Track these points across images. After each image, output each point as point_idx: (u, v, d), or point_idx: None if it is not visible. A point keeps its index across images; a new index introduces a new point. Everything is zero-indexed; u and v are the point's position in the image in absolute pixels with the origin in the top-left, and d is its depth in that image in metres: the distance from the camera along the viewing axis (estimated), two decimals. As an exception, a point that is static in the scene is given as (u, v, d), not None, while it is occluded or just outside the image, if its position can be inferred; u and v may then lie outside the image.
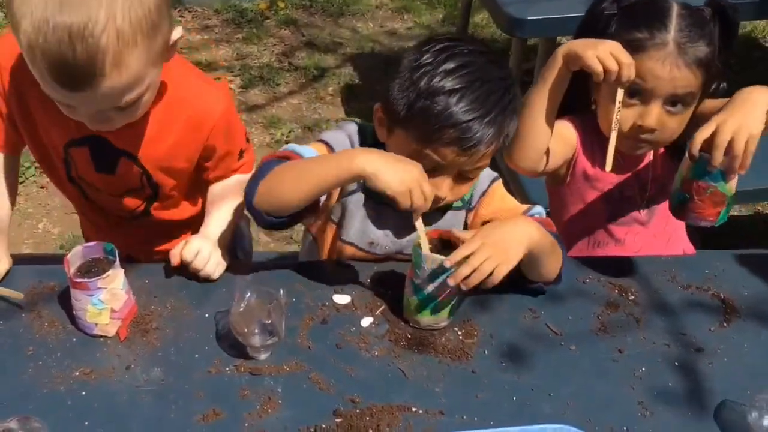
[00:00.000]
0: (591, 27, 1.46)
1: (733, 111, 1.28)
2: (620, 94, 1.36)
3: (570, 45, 1.36)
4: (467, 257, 1.20)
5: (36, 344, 1.25)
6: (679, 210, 1.36)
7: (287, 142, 3.43)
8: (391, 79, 1.32)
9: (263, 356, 1.25)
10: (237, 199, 1.48)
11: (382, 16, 4.65)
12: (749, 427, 1.13)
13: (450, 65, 1.25)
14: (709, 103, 1.50)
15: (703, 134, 1.28)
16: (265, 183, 1.29)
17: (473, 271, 1.19)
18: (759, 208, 3.20)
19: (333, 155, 1.37)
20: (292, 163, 1.32)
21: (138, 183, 1.46)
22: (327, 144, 1.42)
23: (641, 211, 1.61)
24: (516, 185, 2.33)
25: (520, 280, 1.36)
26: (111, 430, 1.12)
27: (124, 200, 1.50)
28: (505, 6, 2.46)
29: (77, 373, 1.20)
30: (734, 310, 1.39)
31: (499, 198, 1.47)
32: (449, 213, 1.46)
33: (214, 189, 1.52)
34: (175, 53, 1.26)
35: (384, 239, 1.45)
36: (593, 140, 1.55)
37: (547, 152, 1.49)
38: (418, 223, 1.26)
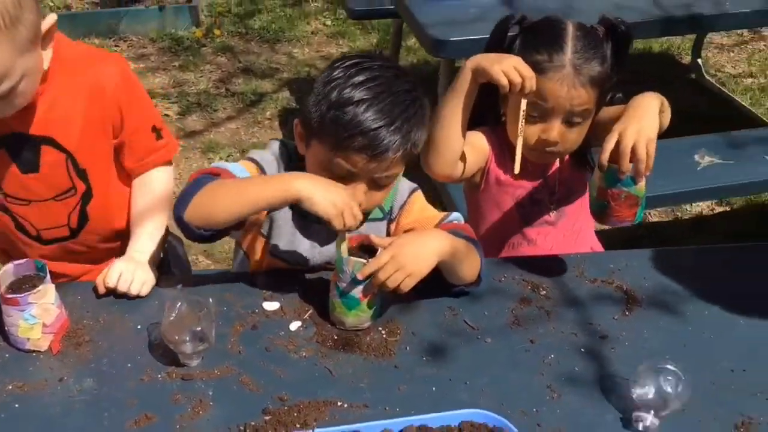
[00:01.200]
0: (496, 47, 1.58)
1: (630, 119, 1.41)
2: (524, 104, 1.49)
3: (477, 59, 1.48)
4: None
5: (-32, 361, 1.27)
6: (601, 216, 1.48)
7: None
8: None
9: (194, 363, 1.30)
10: (161, 214, 1.54)
11: (317, 42, 4.76)
12: (632, 398, 1.23)
13: (358, 78, 1.35)
14: (607, 111, 1.64)
15: (608, 145, 1.40)
16: (198, 198, 1.34)
17: (384, 281, 1.29)
18: (678, 213, 3.39)
19: (269, 178, 1.45)
20: (228, 181, 1.38)
21: (66, 177, 1.47)
22: (256, 162, 1.49)
23: (551, 213, 1.72)
24: (444, 193, 2.43)
25: (444, 285, 1.45)
26: (44, 438, 1.15)
27: (58, 206, 1.51)
28: (429, 29, 2.58)
29: (10, 387, 1.23)
30: (635, 301, 1.51)
31: (418, 208, 1.56)
32: (369, 225, 1.52)
33: (138, 202, 1.57)
34: (53, 39, 1.33)
35: (311, 251, 1.53)
36: (504, 149, 1.66)
37: (463, 160, 1.59)
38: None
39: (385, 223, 1.56)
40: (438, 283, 1.43)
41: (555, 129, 1.55)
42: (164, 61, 4.37)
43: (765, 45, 4.91)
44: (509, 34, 1.58)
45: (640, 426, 1.21)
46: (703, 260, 1.69)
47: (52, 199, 1.50)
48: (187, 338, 1.27)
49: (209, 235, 1.38)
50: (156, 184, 1.59)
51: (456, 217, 1.53)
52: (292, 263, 1.54)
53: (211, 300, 1.29)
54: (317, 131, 1.38)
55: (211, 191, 1.35)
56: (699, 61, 4.40)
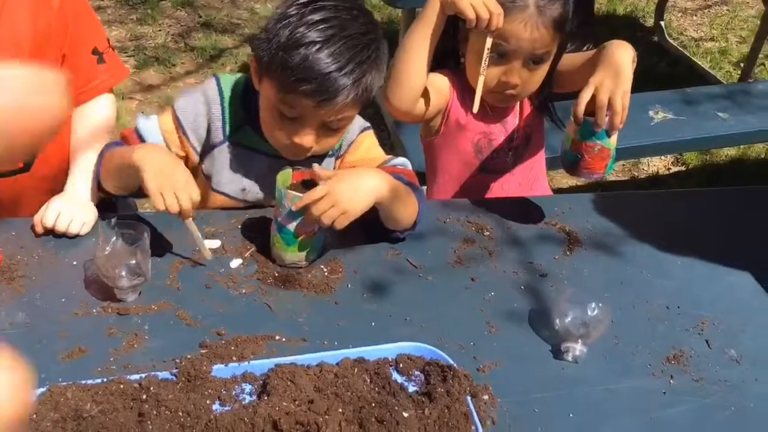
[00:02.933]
0: None
1: (605, 73, 1.40)
2: (489, 42, 1.47)
3: None
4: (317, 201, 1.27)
5: None
6: (572, 168, 1.48)
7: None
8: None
9: (131, 297, 1.28)
10: (99, 147, 1.50)
11: (280, -3, 4.67)
12: (556, 328, 1.25)
13: (312, 18, 1.30)
14: (571, 59, 1.62)
15: (584, 98, 1.39)
16: (101, 170, 1.45)
17: (319, 217, 1.27)
18: (635, 173, 3.43)
19: (129, 148, 1.39)
20: (111, 154, 1.42)
21: None
22: (175, 116, 1.47)
23: (508, 159, 1.72)
24: (396, 140, 2.42)
25: (379, 227, 1.44)
26: (-28, 370, 1.13)
27: None
28: (386, -22, 2.54)
29: (-62, 321, 1.20)
30: (577, 242, 1.52)
31: (365, 148, 1.54)
32: (317, 161, 1.49)
33: (76, 134, 1.53)
34: None
35: (254, 186, 1.51)
36: (465, 92, 1.65)
37: (426, 99, 1.58)
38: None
39: (333, 159, 1.54)
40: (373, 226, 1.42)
41: (516, 71, 1.54)
42: (121, 14, 4.25)
43: (728, 9, 4.95)
44: None
45: (570, 356, 1.23)
46: (643, 204, 1.72)
47: None
48: (123, 273, 1.25)
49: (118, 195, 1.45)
50: (95, 115, 1.55)
51: (401, 162, 1.51)
52: (235, 198, 1.52)
53: (146, 234, 1.27)
54: (266, 70, 1.35)
55: (104, 164, 1.44)
56: (662, 23, 4.42)
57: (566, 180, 3.10)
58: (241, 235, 1.44)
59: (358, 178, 1.34)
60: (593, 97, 1.39)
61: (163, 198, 1.26)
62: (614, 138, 1.44)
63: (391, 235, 1.46)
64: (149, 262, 1.27)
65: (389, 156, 1.54)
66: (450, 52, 1.64)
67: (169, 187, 1.26)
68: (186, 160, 1.49)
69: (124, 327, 1.23)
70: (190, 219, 1.32)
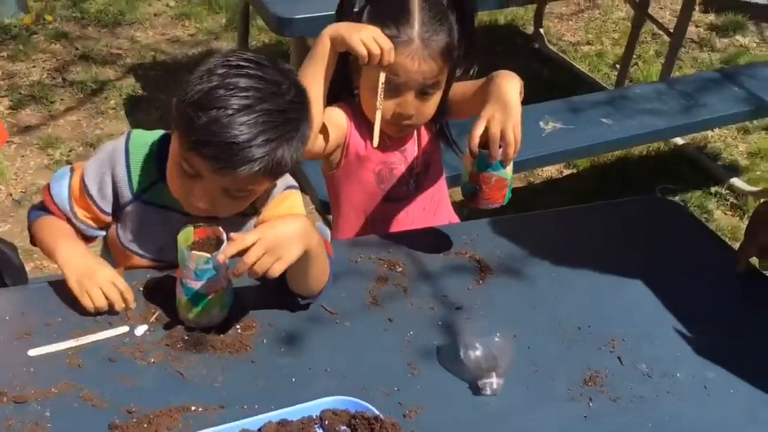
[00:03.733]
0: (343, 17, 1.54)
1: (496, 106, 1.42)
2: (382, 77, 1.47)
3: (336, 27, 1.44)
4: (244, 251, 1.20)
5: None
6: (472, 199, 1.50)
7: (68, 163, 3.24)
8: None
9: None
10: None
11: (162, 24, 4.52)
12: (461, 361, 1.27)
13: (234, 82, 1.21)
14: (461, 87, 1.65)
15: (477, 132, 1.41)
16: (33, 235, 1.49)
17: (252, 266, 1.19)
18: (531, 179, 3.54)
19: (52, 240, 1.41)
20: (40, 228, 1.45)
21: None
22: (82, 180, 1.42)
23: (410, 186, 1.73)
24: (300, 173, 2.38)
25: (286, 295, 1.37)
26: None
27: None
28: (272, 6, 2.50)
29: None
30: (488, 269, 1.54)
31: (288, 205, 1.46)
32: (234, 218, 1.42)
33: None
34: None
35: (173, 245, 1.43)
36: (362, 123, 1.64)
37: (325, 135, 1.56)
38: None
39: (253, 219, 1.46)
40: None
41: (409, 102, 1.55)
42: (-10, 52, 3.99)
43: (599, 13, 5.20)
44: (355, 8, 1.54)
45: (488, 390, 1.24)
46: (547, 224, 1.76)
47: None
48: None
49: None
50: None
51: (320, 227, 1.47)
52: (152, 258, 1.46)
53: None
54: (176, 123, 1.27)
55: (34, 233, 1.48)
56: (541, 30, 4.60)
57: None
58: (144, 299, 1.37)
59: (288, 224, 1.26)
60: (486, 130, 1.41)
61: (90, 297, 1.31)
62: (510, 168, 1.47)
63: (294, 301, 1.38)
64: None
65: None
66: (343, 85, 1.63)
67: (93, 285, 1.31)
68: (98, 222, 1.46)
69: (23, 416, 1.14)
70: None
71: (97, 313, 1.32)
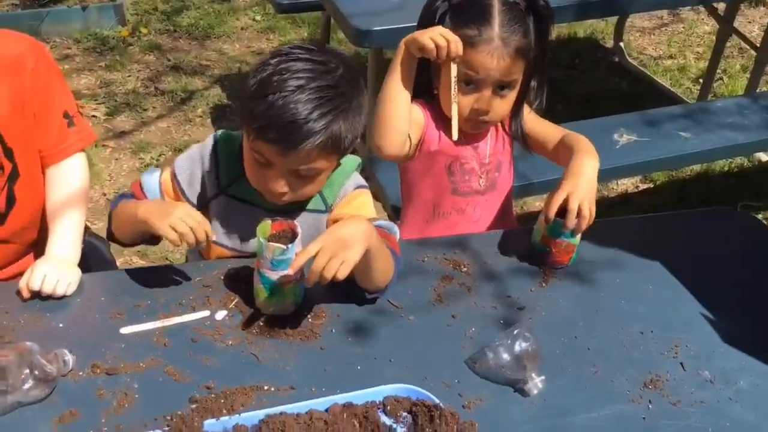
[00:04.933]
0: (427, 24, 1.62)
1: (575, 181, 1.55)
2: (454, 69, 1.57)
3: (411, 34, 1.56)
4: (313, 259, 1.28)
5: None
6: (541, 258, 1.60)
7: (157, 167, 3.44)
8: None
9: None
10: (78, 208, 1.53)
11: (248, 37, 4.73)
12: (489, 364, 1.30)
13: (286, 68, 1.33)
14: (541, 126, 1.80)
15: (555, 202, 1.53)
16: (113, 220, 1.55)
17: (321, 272, 1.26)
18: (605, 192, 3.51)
19: (133, 204, 1.47)
20: (122, 206, 1.51)
21: None
22: (173, 172, 1.53)
23: (480, 182, 1.78)
24: (372, 176, 2.45)
25: (354, 289, 1.43)
26: (-36, 440, 1.14)
27: None
28: (352, 19, 2.60)
29: (-74, 394, 1.21)
30: (552, 273, 1.57)
31: (357, 204, 1.54)
32: (309, 215, 1.53)
33: (53, 195, 1.56)
34: None
35: (247, 236, 1.53)
36: (438, 119, 1.72)
37: (409, 137, 1.65)
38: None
39: (326, 216, 1.55)
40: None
41: (486, 98, 1.63)
42: (90, 62, 4.27)
43: (683, 27, 5.10)
44: (438, 11, 1.63)
45: (534, 390, 1.28)
46: (617, 232, 1.77)
47: None
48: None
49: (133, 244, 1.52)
50: (71, 176, 1.59)
51: (387, 225, 1.50)
52: (232, 249, 1.56)
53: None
54: (240, 118, 1.40)
55: (116, 216, 1.54)
56: (621, 44, 4.55)
57: (539, 203, 3.17)
58: (225, 287, 1.47)
59: (347, 227, 1.34)
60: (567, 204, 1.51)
61: (175, 229, 1.34)
62: (579, 236, 1.57)
63: (360, 294, 1.45)
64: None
65: (377, 217, 1.54)
66: (424, 87, 1.71)
67: (176, 219, 1.35)
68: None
69: (113, 387, 1.25)
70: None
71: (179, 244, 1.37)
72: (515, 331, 1.31)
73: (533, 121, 1.82)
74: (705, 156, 2.91)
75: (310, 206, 1.54)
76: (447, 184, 1.78)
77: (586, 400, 1.28)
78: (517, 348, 1.29)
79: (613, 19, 4.63)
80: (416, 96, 1.68)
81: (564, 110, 3.95)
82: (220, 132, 1.56)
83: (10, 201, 1.55)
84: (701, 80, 4.19)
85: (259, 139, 1.35)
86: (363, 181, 1.58)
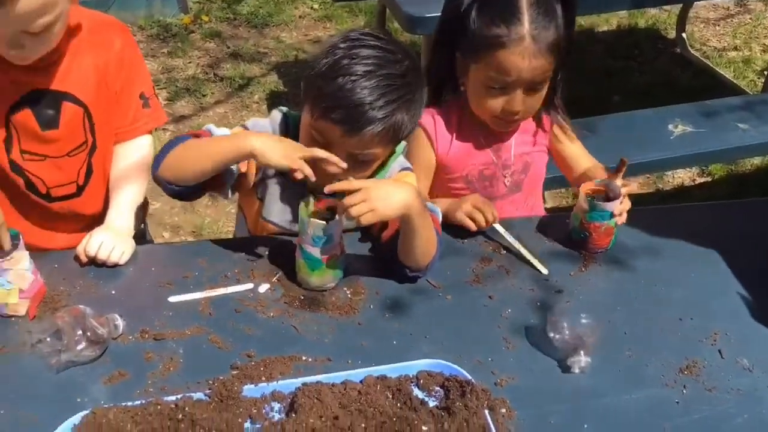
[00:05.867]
0: (451, 21, 1.60)
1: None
2: (500, 227, 1.58)
3: (443, 209, 1.57)
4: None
5: (-49, 327, 1.34)
6: (581, 243, 1.59)
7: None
8: None
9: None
10: (139, 183, 1.60)
11: (305, 25, 4.80)
12: (549, 340, 1.31)
13: (356, 53, 1.37)
14: (570, 149, 1.79)
15: (592, 182, 1.57)
16: (172, 154, 1.44)
17: (348, 208, 1.31)
18: (660, 185, 3.44)
19: (231, 136, 1.48)
20: (196, 140, 1.46)
21: (82, 131, 1.56)
22: (246, 129, 1.54)
23: (506, 183, 1.77)
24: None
25: (396, 266, 1.47)
26: (24, 394, 1.22)
27: (70, 162, 1.59)
28: (404, 6, 2.62)
29: (-10, 350, 1.30)
30: (592, 258, 1.57)
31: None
32: None
33: (117, 168, 1.64)
34: None
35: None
36: (448, 129, 1.69)
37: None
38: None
39: None
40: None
41: (518, 99, 1.59)
42: (153, 48, 4.41)
43: (750, 18, 4.93)
44: (463, 5, 1.57)
45: (576, 369, 1.28)
46: (660, 219, 1.75)
47: (66, 155, 1.58)
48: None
49: (179, 190, 1.46)
50: (136, 152, 1.66)
51: (430, 206, 1.52)
52: (281, 227, 1.59)
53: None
54: (306, 96, 1.42)
55: (183, 149, 1.44)
56: (683, 35, 4.43)
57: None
58: (268, 262, 1.52)
59: (394, 186, 1.39)
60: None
61: (297, 163, 1.34)
62: (618, 218, 1.55)
63: (402, 272, 1.47)
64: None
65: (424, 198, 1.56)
66: (446, 81, 1.68)
67: (295, 156, 1.34)
68: (244, 177, 1.53)
69: (161, 351, 1.31)
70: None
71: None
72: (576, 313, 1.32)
73: (565, 141, 1.78)
74: (764, 149, 2.83)
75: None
76: (472, 189, 1.75)
77: (619, 383, 1.28)
78: (581, 325, 1.30)
79: (677, 9, 4.52)
80: (438, 89, 1.64)
81: (621, 101, 3.89)
82: (284, 109, 1.58)
83: (89, 173, 1.64)
84: (766, 72, 4.05)
85: (324, 118, 1.37)
86: (408, 164, 1.60)
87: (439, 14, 2.55)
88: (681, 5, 4.32)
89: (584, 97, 3.67)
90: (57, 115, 1.52)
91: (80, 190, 1.65)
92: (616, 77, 4.18)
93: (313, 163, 1.44)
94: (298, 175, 1.35)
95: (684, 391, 1.26)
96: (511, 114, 1.61)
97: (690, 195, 3.37)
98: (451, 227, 1.60)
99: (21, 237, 1.35)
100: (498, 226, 1.57)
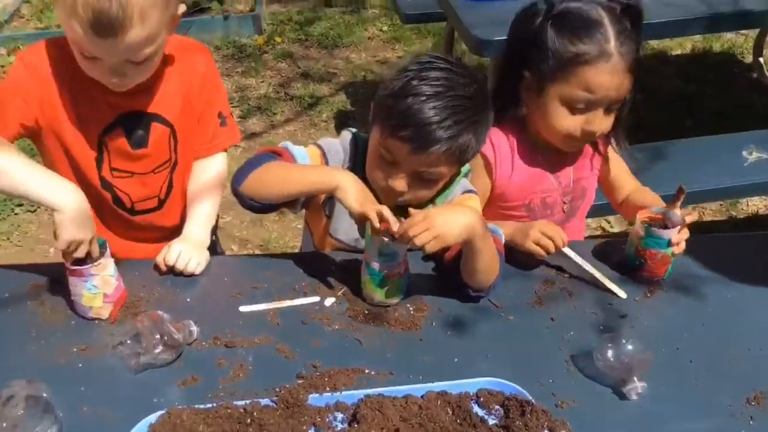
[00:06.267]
0: (522, 40, 1.59)
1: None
2: (571, 252, 1.57)
3: (508, 235, 1.58)
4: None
5: (40, 328, 1.43)
6: (636, 270, 1.58)
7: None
8: None
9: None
10: (214, 198, 1.68)
11: (374, 47, 4.90)
12: (609, 364, 1.31)
13: (426, 75, 1.42)
14: (615, 169, 1.78)
15: (652, 209, 1.56)
16: (255, 174, 1.51)
17: (413, 237, 1.34)
18: (733, 213, 3.35)
19: (318, 168, 1.56)
20: (283, 164, 1.54)
21: (167, 149, 1.66)
22: (321, 149, 1.61)
23: (564, 209, 1.76)
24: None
25: (459, 286, 1.49)
26: (102, 392, 1.29)
27: (155, 178, 1.69)
28: (472, 29, 2.66)
29: (75, 349, 1.38)
30: (659, 284, 1.56)
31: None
32: None
33: (194, 183, 1.73)
34: (177, 25, 1.51)
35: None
36: (509, 155, 1.69)
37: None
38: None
39: None
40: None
41: (598, 118, 1.56)
42: (228, 68, 4.58)
43: (833, 42, 4.76)
44: (536, 21, 1.56)
45: (633, 395, 1.27)
46: (731, 247, 1.72)
47: (152, 171, 1.68)
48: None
49: (259, 206, 1.53)
50: (213, 169, 1.75)
51: (492, 228, 1.53)
52: (346, 245, 1.64)
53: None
54: (376, 116, 1.49)
55: (268, 170, 1.51)
56: (760, 59, 4.33)
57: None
58: (335, 277, 1.57)
59: (456, 211, 1.43)
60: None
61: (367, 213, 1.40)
62: (675, 247, 1.52)
63: (464, 291, 1.49)
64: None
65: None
66: (511, 99, 1.65)
67: (371, 205, 1.41)
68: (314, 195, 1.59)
69: (231, 358, 1.37)
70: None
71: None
72: (624, 338, 1.31)
73: (614, 163, 1.75)
74: None
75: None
76: (531, 215, 1.74)
77: (683, 411, 1.26)
78: (626, 351, 1.29)
79: (754, 34, 4.41)
80: (502, 108, 1.59)
81: (693, 126, 3.81)
82: (353, 130, 1.64)
83: (170, 188, 1.74)
84: None
85: (393, 136, 1.42)
86: (471, 186, 1.63)
87: (505, 38, 2.61)
88: (758, 30, 4.22)
89: (656, 122, 3.62)
90: (146, 135, 1.62)
91: (161, 204, 1.74)
92: (689, 102, 4.10)
93: (380, 180, 1.49)
94: (373, 218, 1.39)
95: (751, 423, 1.24)
96: (591, 134, 1.58)
97: (764, 223, 3.27)
98: (512, 251, 1.61)
99: (107, 246, 1.44)
100: (568, 251, 1.56)
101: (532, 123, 1.67)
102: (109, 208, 1.70)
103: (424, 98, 1.39)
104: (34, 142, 1.63)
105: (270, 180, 1.50)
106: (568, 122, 1.57)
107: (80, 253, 1.40)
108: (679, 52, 4.71)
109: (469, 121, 1.42)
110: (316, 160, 1.60)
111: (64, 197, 1.40)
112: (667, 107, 3.97)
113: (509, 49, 1.68)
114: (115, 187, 1.67)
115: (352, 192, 1.42)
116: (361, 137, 1.62)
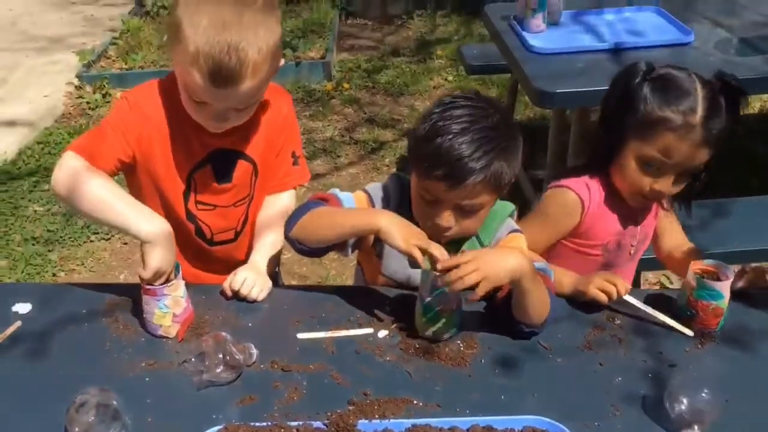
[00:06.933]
0: (620, 94, 1.65)
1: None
2: (632, 299, 1.60)
3: (570, 284, 1.65)
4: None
5: (113, 342, 1.54)
6: (687, 321, 1.58)
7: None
8: None
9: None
10: (280, 229, 1.77)
11: (438, 96, 5.01)
12: (665, 410, 1.31)
13: (450, 114, 1.50)
14: (671, 226, 1.84)
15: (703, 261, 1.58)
16: (304, 220, 1.61)
17: (459, 278, 1.40)
18: None
19: (361, 210, 1.64)
20: (329, 209, 1.63)
21: (248, 185, 1.78)
22: (367, 193, 1.70)
23: (630, 252, 1.80)
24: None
25: (512, 323, 1.53)
26: (166, 405, 1.38)
27: (234, 211, 1.80)
28: (535, 82, 2.73)
29: (143, 364, 1.48)
30: (710, 337, 1.56)
31: (514, 246, 1.63)
32: None
33: (263, 216, 1.83)
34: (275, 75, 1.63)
35: (414, 273, 1.69)
36: (599, 199, 1.74)
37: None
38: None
39: None
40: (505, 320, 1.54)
41: (668, 182, 1.63)
42: (297, 111, 4.69)
43: None
44: (635, 81, 1.63)
45: (685, 443, 1.27)
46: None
47: (233, 205, 1.80)
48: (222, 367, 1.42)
49: (308, 250, 1.63)
50: (281, 204, 1.85)
51: (542, 266, 1.57)
52: (398, 282, 1.71)
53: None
54: (411, 160, 1.58)
55: (314, 215, 1.60)
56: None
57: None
58: (390, 309, 1.63)
59: (503, 253, 1.49)
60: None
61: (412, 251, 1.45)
62: (727, 299, 1.54)
63: (517, 328, 1.53)
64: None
65: (534, 259, 1.63)
66: (605, 159, 1.72)
67: (416, 242, 1.46)
68: (364, 237, 1.66)
69: (287, 381, 1.44)
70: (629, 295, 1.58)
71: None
72: (694, 388, 1.32)
73: (668, 221, 1.80)
74: None
75: (466, 247, 1.65)
76: (599, 260, 1.79)
77: (730, 462, 1.26)
78: (700, 400, 1.30)
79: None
80: (594, 165, 1.69)
81: (759, 185, 3.76)
82: (401, 174, 1.73)
83: (245, 221, 1.86)
84: None
85: (428, 177, 1.50)
86: (516, 226, 1.68)
87: (567, 90, 2.67)
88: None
89: (720, 180, 3.59)
90: (232, 171, 1.74)
91: (237, 235, 1.86)
92: (756, 161, 4.05)
93: (426, 219, 1.56)
94: (418, 255, 1.45)
95: (798, 479, 1.23)
96: (659, 195, 1.65)
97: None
98: (563, 294, 1.64)
99: (180, 268, 1.55)
100: (630, 297, 1.59)
101: (612, 173, 1.73)
102: (190, 239, 1.82)
103: (452, 136, 1.46)
104: (126, 175, 1.76)
105: (316, 225, 1.59)
106: (639, 179, 1.65)
107: (161, 281, 1.51)
108: (748, 111, 4.66)
109: (498, 149, 1.48)
110: (362, 205, 1.68)
111: (155, 230, 1.52)
112: (734, 166, 3.93)
113: (607, 104, 1.72)
114: (199, 219, 1.79)
115: (395, 231, 1.48)
116: (406, 179, 1.69)
